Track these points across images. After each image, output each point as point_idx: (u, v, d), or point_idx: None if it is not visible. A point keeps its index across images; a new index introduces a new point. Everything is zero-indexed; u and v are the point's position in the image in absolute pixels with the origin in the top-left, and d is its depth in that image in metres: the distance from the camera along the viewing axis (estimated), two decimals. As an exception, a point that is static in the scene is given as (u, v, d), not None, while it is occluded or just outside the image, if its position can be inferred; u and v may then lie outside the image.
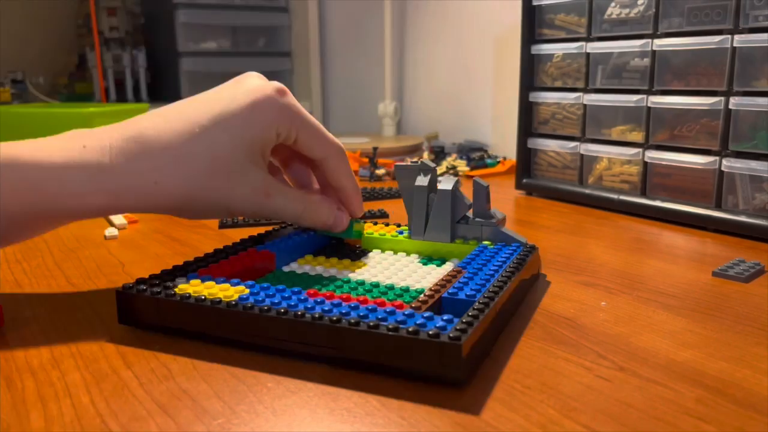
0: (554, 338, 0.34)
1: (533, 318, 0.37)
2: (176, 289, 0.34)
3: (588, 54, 0.68)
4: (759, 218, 0.54)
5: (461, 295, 0.33)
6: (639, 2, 0.62)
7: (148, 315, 0.34)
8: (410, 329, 0.28)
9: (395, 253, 0.45)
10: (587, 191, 0.68)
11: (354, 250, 0.45)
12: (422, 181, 0.45)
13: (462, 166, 0.90)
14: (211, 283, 0.35)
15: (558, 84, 0.72)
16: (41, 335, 0.35)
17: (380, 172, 0.86)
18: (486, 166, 0.93)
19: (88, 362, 0.31)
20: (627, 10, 0.63)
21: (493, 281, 0.35)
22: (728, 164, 0.56)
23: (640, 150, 0.64)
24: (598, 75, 0.68)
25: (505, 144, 1.05)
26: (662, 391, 0.28)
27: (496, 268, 0.38)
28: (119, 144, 0.36)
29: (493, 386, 0.29)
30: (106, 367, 0.31)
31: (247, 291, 0.34)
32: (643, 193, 0.64)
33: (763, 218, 0.53)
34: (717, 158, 0.57)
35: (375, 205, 0.68)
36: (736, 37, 0.54)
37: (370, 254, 0.44)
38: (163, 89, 1.42)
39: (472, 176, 0.87)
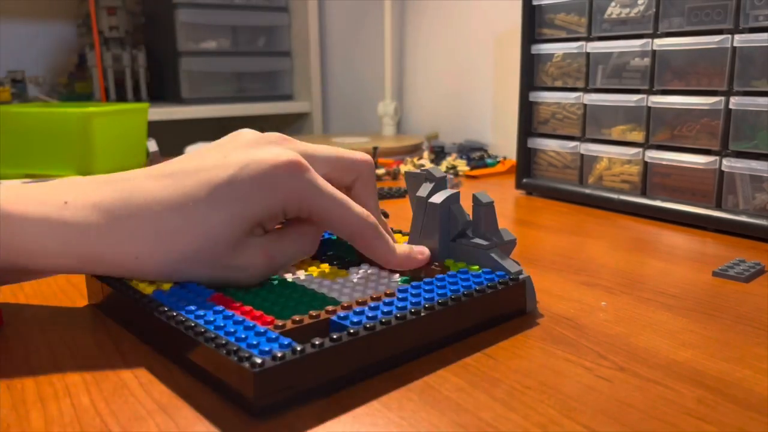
0: (554, 338, 0.34)
1: (533, 318, 0.37)
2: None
3: (588, 54, 0.68)
4: (759, 218, 0.54)
5: (339, 318, 0.30)
6: (639, 2, 0.62)
7: (101, 299, 0.38)
8: (501, 280, 0.34)
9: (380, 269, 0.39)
10: (587, 191, 0.68)
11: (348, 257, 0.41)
12: (424, 190, 0.40)
13: (462, 166, 0.90)
14: None
15: (558, 84, 0.72)
16: (41, 335, 0.35)
17: (380, 171, 0.86)
18: (486, 165, 0.93)
19: (88, 362, 0.31)
20: (627, 10, 0.63)
21: (394, 312, 0.30)
22: (728, 164, 0.56)
23: (641, 150, 0.64)
24: (599, 75, 0.67)
25: (505, 144, 1.05)
26: (662, 391, 0.28)
27: (430, 297, 0.32)
28: (106, 205, 0.33)
29: (493, 386, 0.29)
30: (106, 367, 0.31)
31: (168, 288, 0.34)
32: (644, 193, 0.64)
33: (764, 218, 0.53)
34: (717, 158, 0.57)
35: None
36: (737, 36, 0.54)
37: (362, 265, 0.39)
38: (163, 89, 1.42)
39: (472, 176, 0.88)
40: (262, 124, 1.34)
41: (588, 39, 0.67)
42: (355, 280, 0.37)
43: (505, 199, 0.74)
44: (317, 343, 0.27)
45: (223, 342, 0.27)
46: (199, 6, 1.33)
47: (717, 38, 0.55)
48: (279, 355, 0.26)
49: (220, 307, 0.31)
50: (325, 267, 0.39)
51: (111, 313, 0.37)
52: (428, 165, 0.90)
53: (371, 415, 0.26)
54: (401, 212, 0.64)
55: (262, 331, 0.28)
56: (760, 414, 0.26)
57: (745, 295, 0.41)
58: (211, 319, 0.30)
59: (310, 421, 0.26)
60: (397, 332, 0.30)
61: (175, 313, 0.31)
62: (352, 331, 0.28)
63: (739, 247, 0.52)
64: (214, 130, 1.31)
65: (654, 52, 0.61)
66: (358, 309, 0.31)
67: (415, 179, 0.42)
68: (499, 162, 0.95)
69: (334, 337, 0.27)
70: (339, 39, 1.45)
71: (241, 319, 0.30)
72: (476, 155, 0.96)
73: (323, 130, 1.45)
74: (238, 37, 1.41)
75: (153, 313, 0.31)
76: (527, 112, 0.75)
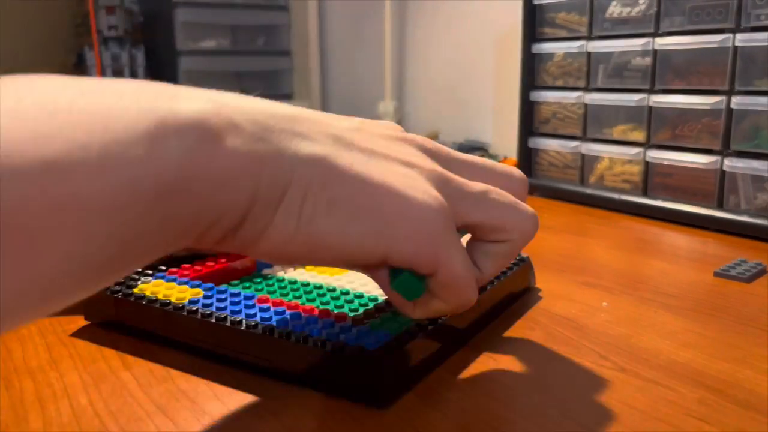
0: (555, 339, 0.34)
1: (534, 318, 0.37)
2: (135, 289, 0.34)
3: (589, 53, 0.67)
4: (761, 218, 0.53)
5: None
6: (640, 1, 0.62)
7: (108, 312, 0.34)
8: (336, 344, 0.27)
9: None
10: (588, 191, 0.68)
11: None
12: None
13: (462, 166, 0.90)
14: (171, 284, 0.34)
15: (559, 83, 0.71)
16: (39, 336, 0.34)
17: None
18: (486, 165, 0.92)
19: (87, 363, 0.31)
20: (628, 9, 0.63)
21: None
22: (730, 164, 0.56)
23: (642, 149, 0.63)
24: (600, 74, 0.67)
25: (505, 143, 1.05)
26: (664, 391, 0.28)
27: None
28: None
29: (494, 386, 0.29)
30: (105, 368, 0.31)
31: (201, 294, 0.33)
32: (645, 193, 0.64)
33: (765, 218, 0.53)
34: (719, 158, 0.57)
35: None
36: (738, 36, 0.54)
37: None
38: (162, 88, 1.42)
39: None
40: (261, 123, 1.33)
41: (589, 38, 0.67)
42: (360, 273, 0.38)
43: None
44: (409, 332, 0.28)
45: (335, 341, 0.27)
46: (199, 5, 1.32)
47: (718, 37, 0.55)
48: (388, 346, 0.27)
49: (282, 308, 0.31)
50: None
51: (126, 328, 0.34)
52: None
53: (370, 416, 0.26)
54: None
55: (346, 326, 0.29)
56: (761, 414, 0.26)
57: (747, 295, 0.41)
58: (300, 320, 0.30)
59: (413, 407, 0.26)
60: (457, 318, 0.31)
61: (253, 323, 0.29)
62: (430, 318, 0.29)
63: (740, 247, 0.52)
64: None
65: (655, 51, 0.61)
66: None
67: None
68: (499, 161, 0.94)
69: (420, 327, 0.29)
70: (339, 39, 1.45)
71: (314, 318, 0.30)
72: (477, 155, 0.96)
73: (323, 130, 1.45)
74: (238, 37, 1.40)
75: (234, 323, 0.30)
76: (528, 111, 0.75)
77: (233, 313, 0.31)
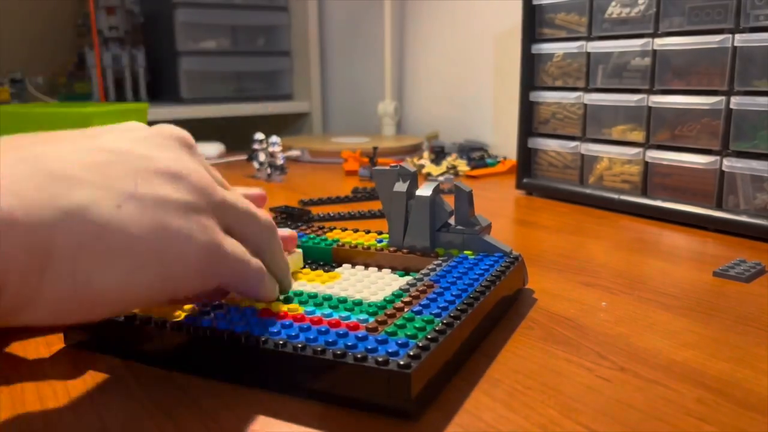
0: (555, 338, 0.34)
1: (533, 318, 0.37)
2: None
3: (588, 53, 0.68)
4: (760, 218, 0.54)
5: (426, 314, 0.30)
6: (640, 1, 0.62)
7: (99, 336, 0.32)
8: (358, 355, 0.26)
9: (366, 268, 0.40)
10: (588, 191, 0.68)
11: (328, 263, 0.42)
12: (401, 186, 0.42)
13: (462, 166, 0.90)
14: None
15: (558, 83, 0.72)
16: (40, 335, 0.35)
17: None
18: (486, 165, 0.93)
19: (88, 362, 0.31)
20: (628, 10, 0.63)
21: (464, 298, 0.32)
22: (729, 164, 0.56)
23: (641, 150, 0.63)
24: (599, 74, 0.67)
25: (505, 144, 1.05)
26: (663, 391, 0.28)
27: (470, 282, 0.35)
28: None
29: (494, 386, 0.29)
30: (106, 368, 0.31)
31: (198, 310, 0.31)
32: (644, 193, 0.64)
33: (764, 218, 0.53)
34: (718, 158, 0.57)
35: (375, 205, 0.68)
36: (737, 36, 0.54)
37: (344, 266, 0.41)
38: (162, 89, 1.42)
39: (472, 176, 0.87)
40: (261, 124, 1.33)
41: (588, 38, 0.67)
42: (352, 279, 0.38)
43: (506, 199, 0.74)
44: (430, 338, 0.28)
45: (356, 354, 0.26)
46: (199, 5, 1.32)
47: (718, 38, 0.55)
48: (417, 353, 0.26)
49: (288, 321, 0.30)
50: (313, 273, 0.39)
51: (108, 347, 0.32)
52: (428, 165, 0.90)
53: (370, 417, 0.26)
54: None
55: (362, 335, 0.28)
56: (760, 414, 0.26)
57: (746, 295, 0.41)
58: (313, 336, 0.28)
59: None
60: (473, 318, 0.32)
61: (278, 340, 0.28)
62: (445, 322, 0.29)
63: (739, 247, 0.52)
64: (214, 130, 1.31)
65: (654, 51, 0.61)
66: (424, 300, 0.32)
67: (387, 177, 0.42)
68: (499, 162, 0.94)
69: (437, 330, 0.29)
70: (339, 39, 1.45)
71: (325, 328, 0.29)
72: (476, 155, 0.96)
73: (323, 130, 1.45)
74: (238, 37, 1.40)
75: (240, 343, 0.28)
76: (527, 111, 0.75)
77: (238, 329, 0.29)
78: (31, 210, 0.20)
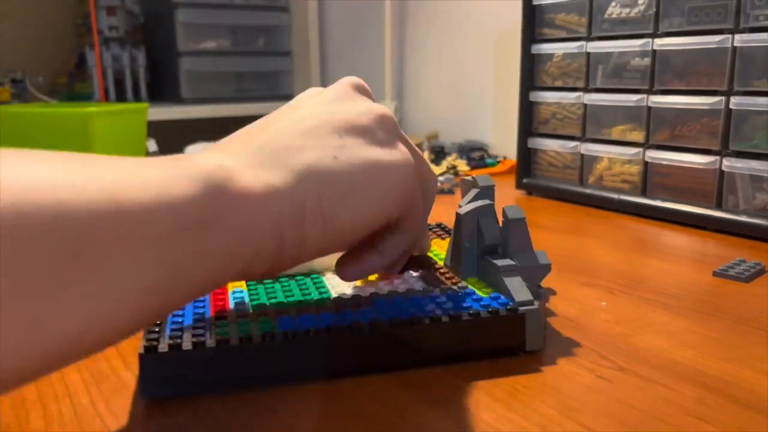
0: (555, 338, 0.34)
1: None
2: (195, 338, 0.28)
3: (588, 53, 0.68)
4: (759, 218, 0.54)
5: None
6: (639, 2, 0.62)
7: (194, 374, 0.28)
8: (490, 309, 0.31)
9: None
10: (587, 191, 0.68)
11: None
12: (467, 199, 0.37)
13: (462, 166, 0.90)
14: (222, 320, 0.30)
15: (558, 83, 0.72)
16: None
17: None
18: (486, 165, 0.93)
19: (88, 363, 0.31)
20: (627, 10, 0.63)
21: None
22: (729, 164, 0.56)
23: (641, 150, 0.64)
24: (599, 74, 0.67)
25: (505, 143, 1.05)
26: (663, 391, 0.28)
27: (394, 313, 0.31)
28: None
29: (494, 386, 0.29)
30: (106, 368, 0.31)
31: (271, 316, 0.30)
32: (644, 193, 0.64)
33: (764, 218, 0.53)
34: (717, 158, 0.57)
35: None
36: (737, 36, 0.54)
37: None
38: (162, 89, 1.42)
39: (471, 176, 0.87)
40: (262, 124, 1.33)
41: (588, 39, 0.67)
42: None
43: (506, 199, 0.74)
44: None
45: (484, 309, 0.31)
46: (199, 6, 1.33)
47: (717, 38, 0.55)
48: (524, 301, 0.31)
49: (369, 305, 0.32)
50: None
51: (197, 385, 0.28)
52: (428, 165, 0.90)
53: (370, 415, 0.26)
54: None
55: (450, 294, 0.33)
56: (760, 414, 0.26)
57: (746, 295, 0.41)
58: (424, 302, 0.32)
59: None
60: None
61: (419, 316, 0.30)
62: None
63: (739, 247, 0.52)
64: (214, 130, 1.30)
65: (654, 51, 0.61)
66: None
67: (469, 186, 0.38)
68: (499, 162, 0.94)
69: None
70: (339, 39, 1.45)
71: (401, 298, 0.32)
72: (476, 155, 0.96)
73: (323, 130, 1.45)
74: (238, 37, 1.40)
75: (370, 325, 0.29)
76: (527, 111, 0.75)
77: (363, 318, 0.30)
78: (280, 179, 0.26)
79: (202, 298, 0.32)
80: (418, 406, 0.27)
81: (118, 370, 0.30)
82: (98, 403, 0.27)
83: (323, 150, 0.27)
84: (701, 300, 0.40)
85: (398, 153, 0.30)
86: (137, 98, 1.37)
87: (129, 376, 0.30)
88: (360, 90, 0.32)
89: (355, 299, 0.32)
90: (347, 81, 0.32)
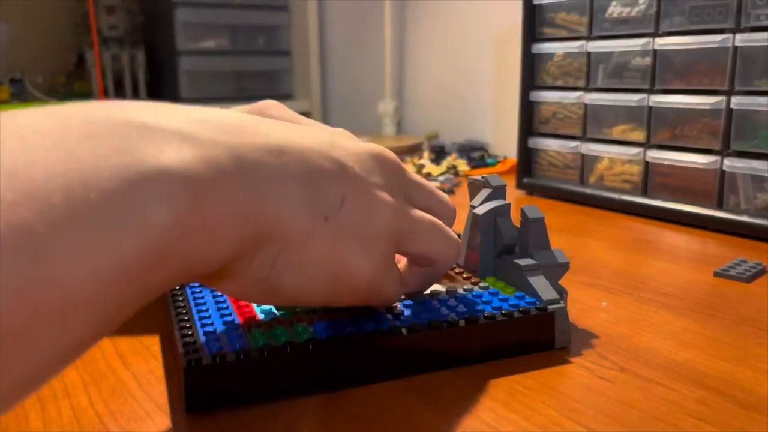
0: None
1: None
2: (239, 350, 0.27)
3: (589, 53, 0.67)
4: (761, 218, 0.53)
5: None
6: (640, 1, 0.62)
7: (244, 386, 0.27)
8: (521, 308, 0.31)
9: None
10: (588, 191, 0.68)
11: None
12: (478, 199, 0.37)
13: (462, 166, 0.90)
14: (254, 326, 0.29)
15: (559, 83, 0.71)
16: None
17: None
18: (486, 165, 0.93)
19: (87, 363, 0.31)
20: (628, 9, 0.63)
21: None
22: (730, 164, 0.56)
23: (642, 149, 0.63)
24: (599, 74, 0.67)
25: (505, 143, 1.05)
26: (663, 391, 0.28)
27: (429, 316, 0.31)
28: None
29: (494, 386, 0.29)
30: (105, 368, 0.31)
31: (306, 323, 0.29)
32: (645, 193, 0.64)
33: (765, 218, 0.53)
34: (718, 158, 0.57)
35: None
36: (738, 36, 0.54)
37: None
38: (162, 88, 1.42)
39: (471, 175, 0.87)
40: (261, 123, 1.33)
41: (589, 38, 0.67)
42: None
43: (506, 198, 0.74)
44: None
45: (509, 310, 0.31)
46: (199, 5, 1.32)
47: (718, 37, 0.55)
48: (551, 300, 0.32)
49: (387, 314, 0.31)
50: None
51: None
52: (428, 165, 0.90)
53: (370, 416, 0.26)
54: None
55: (477, 294, 0.33)
56: (761, 414, 0.26)
57: (747, 295, 0.41)
58: (453, 303, 0.32)
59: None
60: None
61: (448, 319, 0.30)
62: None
63: (740, 247, 0.52)
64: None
65: (655, 51, 0.61)
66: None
67: (476, 187, 0.38)
68: (499, 161, 0.94)
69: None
70: (339, 39, 1.45)
71: (429, 300, 0.32)
72: (476, 155, 0.96)
73: (323, 130, 1.45)
74: (238, 37, 1.40)
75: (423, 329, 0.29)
76: (528, 111, 0.75)
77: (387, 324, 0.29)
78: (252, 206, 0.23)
79: (225, 305, 0.32)
80: (418, 407, 0.27)
81: (117, 370, 0.30)
82: (97, 404, 0.27)
83: (314, 208, 0.25)
84: (702, 300, 0.40)
85: (390, 200, 0.28)
86: (137, 98, 1.37)
87: (128, 375, 0.30)
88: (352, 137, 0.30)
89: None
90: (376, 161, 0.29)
